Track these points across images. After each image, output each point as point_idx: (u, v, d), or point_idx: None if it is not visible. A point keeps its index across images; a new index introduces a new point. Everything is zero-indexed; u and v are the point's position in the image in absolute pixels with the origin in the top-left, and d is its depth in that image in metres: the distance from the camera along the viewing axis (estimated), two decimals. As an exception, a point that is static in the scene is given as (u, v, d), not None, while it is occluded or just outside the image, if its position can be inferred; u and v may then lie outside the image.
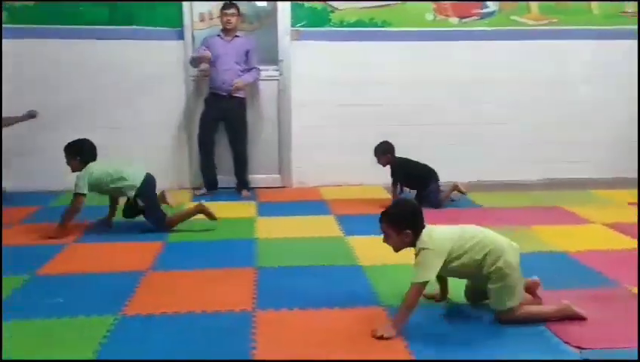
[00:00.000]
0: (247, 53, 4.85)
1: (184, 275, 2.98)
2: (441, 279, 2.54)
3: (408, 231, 2.30)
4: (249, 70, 4.89)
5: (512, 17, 5.28)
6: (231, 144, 5.01)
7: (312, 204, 4.62)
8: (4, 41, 4.79)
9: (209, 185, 5.04)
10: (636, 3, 5.29)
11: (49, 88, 4.96)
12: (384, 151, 4.59)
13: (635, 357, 2.09)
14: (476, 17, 5.26)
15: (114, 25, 4.97)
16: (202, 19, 5.19)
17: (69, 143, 3.72)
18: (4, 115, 4.56)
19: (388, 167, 4.63)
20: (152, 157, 5.05)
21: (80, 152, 3.68)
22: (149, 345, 2.18)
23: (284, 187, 5.33)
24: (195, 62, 4.87)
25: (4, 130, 4.55)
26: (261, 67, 5.14)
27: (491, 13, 5.28)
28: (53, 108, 4.94)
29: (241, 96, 4.90)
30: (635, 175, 5.19)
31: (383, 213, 2.38)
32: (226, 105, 4.85)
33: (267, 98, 5.24)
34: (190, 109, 5.17)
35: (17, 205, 4.45)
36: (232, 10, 4.74)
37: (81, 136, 3.82)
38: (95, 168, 3.67)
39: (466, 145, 5.38)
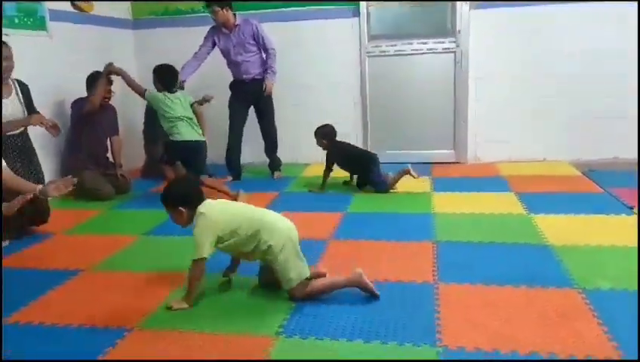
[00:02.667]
0: (253, 36, 4.62)
1: (364, 245, 3.08)
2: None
3: (181, 208, 2.36)
4: (266, 54, 4.68)
5: None
6: (261, 126, 4.91)
7: (489, 180, 4.45)
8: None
9: (234, 173, 4.90)
10: None
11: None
12: (323, 135, 4.40)
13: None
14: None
15: (293, 7, 5.22)
16: (374, -4, 5.23)
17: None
18: None
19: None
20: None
21: (161, 77, 4.09)
22: (337, 307, 2.30)
23: (458, 162, 5.21)
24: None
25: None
26: (435, 40, 5.06)
27: None
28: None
29: (260, 78, 4.72)
30: None
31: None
32: (251, 88, 4.72)
33: (442, 71, 5.13)
34: (364, 88, 5.27)
35: (216, 175, 4.98)
36: (212, 9, 4.54)
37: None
38: (162, 96, 4.02)
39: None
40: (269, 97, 4.80)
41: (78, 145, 4.35)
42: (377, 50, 5.19)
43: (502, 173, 4.66)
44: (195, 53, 4.76)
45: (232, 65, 4.75)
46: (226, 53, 4.74)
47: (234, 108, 4.79)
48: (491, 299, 2.33)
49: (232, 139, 4.83)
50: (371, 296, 2.35)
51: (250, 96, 4.77)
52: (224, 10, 4.55)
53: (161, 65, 4.16)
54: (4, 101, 3.30)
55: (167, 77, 4.10)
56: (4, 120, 3.27)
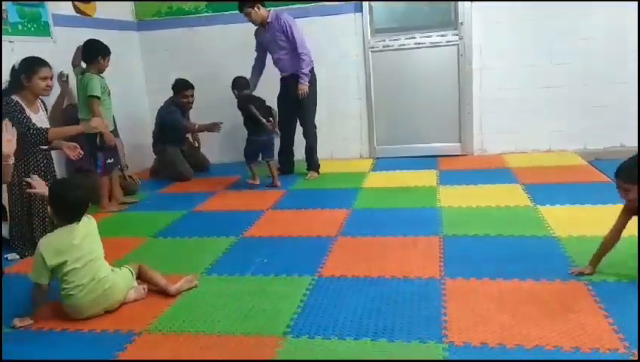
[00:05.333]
0: (283, 32, 4.47)
1: (371, 241, 3.10)
2: None
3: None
4: (298, 57, 4.47)
5: None
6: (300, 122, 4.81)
7: (495, 172, 4.45)
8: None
9: (283, 168, 4.91)
10: None
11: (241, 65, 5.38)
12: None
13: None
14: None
15: (296, 4, 5.21)
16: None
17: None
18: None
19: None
20: (336, 128, 5.32)
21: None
22: (344, 304, 2.32)
23: (464, 155, 5.20)
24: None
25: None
26: (438, 33, 5.06)
27: None
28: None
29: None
30: None
31: None
32: (289, 85, 4.61)
33: (446, 64, 5.12)
34: (369, 82, 5.27)
35: (220, 175, 5.02)
36: (245, 11, 4.46)
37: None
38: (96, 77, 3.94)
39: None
40: (305, 97, 4.59)
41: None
42: (381, 44, 5.19)
43: (508, 165, 4.66)
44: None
45: (273, 62, 4.70)
46: (267, 51, 4.69)
47: (279, 105, 4.76)
48: (497, 293, 2.34)
49: (281, 135, 4.85)
50: None
51: (290, 93, 4.61)
52: (255, 9, 4.45)
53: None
54: (34, 117, 3.30)
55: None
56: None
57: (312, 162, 4.81)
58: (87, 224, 2.43)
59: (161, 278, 2.55)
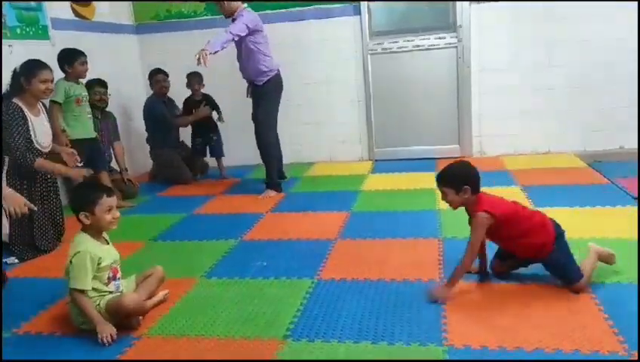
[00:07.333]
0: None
1: (370, 244, 3.10)
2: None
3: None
4: (255, 63, 4.14)
5: None
6: None
7: (494, 175, 4.43)
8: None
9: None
10: None
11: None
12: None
13: None
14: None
15: (295, 7, 5.21)
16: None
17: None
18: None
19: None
20: (335, 130, 5.32)
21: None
22: (344, 308, 2.32)
23: (463, 157, 5.20)
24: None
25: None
26: (437, 35, 5.07)
27: None
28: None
29: (256, 83, 4.22)
30: None
31: None
32: (250, 91, 4.37)
33: (445, 66, 5.12)
34: (367, 85, 5.27)
35: (219, 178, 5.01)
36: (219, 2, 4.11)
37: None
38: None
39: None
40: (257, 101, 4.28)
41: None
42: (379, 47, 5.19)
43: (507, 167, 4.66)
44: None
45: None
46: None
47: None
48: (497, 295, 2.35)
49: None
50: None
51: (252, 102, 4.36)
52: (225, 2, 4.08)
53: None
54: (35, 120, 3.26)
55: None
56: (38, 138, 3.25)
57: (269, 178, 4.36)
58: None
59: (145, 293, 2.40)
